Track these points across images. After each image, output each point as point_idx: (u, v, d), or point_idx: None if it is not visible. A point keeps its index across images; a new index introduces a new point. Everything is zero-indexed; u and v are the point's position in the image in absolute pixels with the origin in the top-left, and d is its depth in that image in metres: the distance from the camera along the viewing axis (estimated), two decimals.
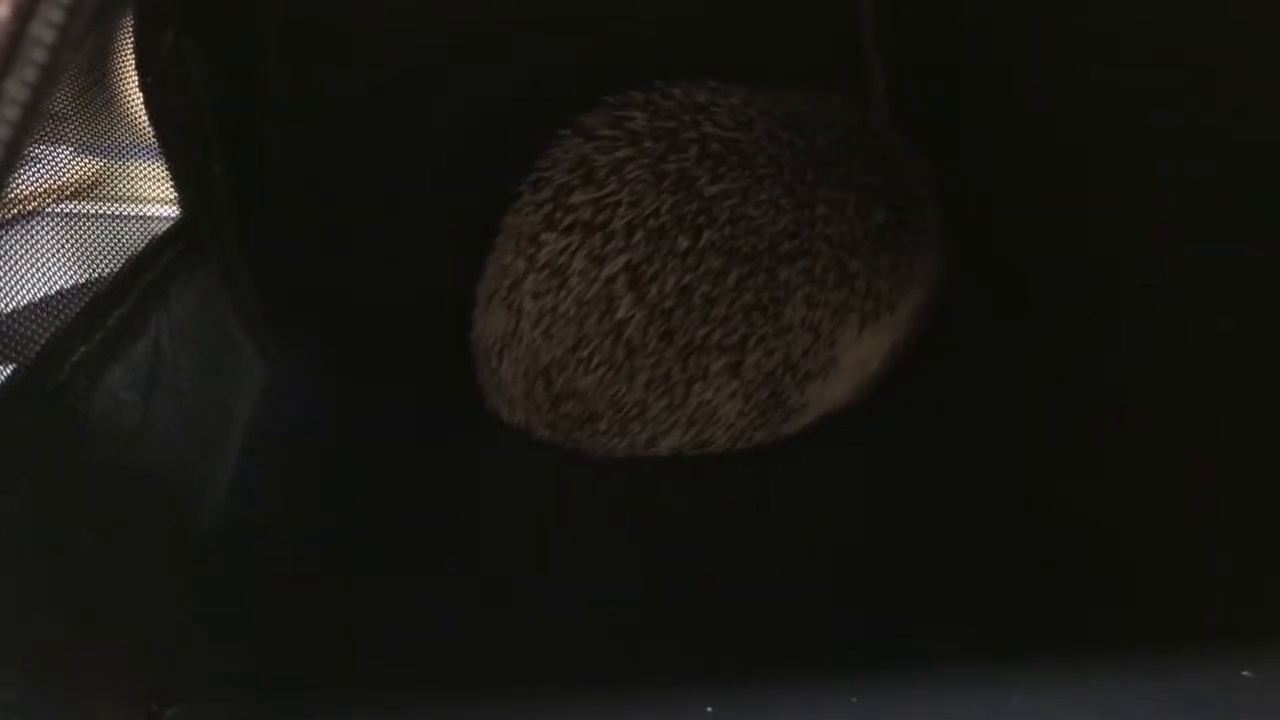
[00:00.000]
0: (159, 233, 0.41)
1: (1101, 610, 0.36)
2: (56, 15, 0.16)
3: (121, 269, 0.37)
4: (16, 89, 0.16)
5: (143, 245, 0.39)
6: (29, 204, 0.36)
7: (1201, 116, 0.35)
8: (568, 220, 0.42)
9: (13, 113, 0.16)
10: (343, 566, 0.38)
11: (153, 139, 0.41)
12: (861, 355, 0.46)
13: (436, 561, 0.38)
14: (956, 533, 0.41)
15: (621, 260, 0.41)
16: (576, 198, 0.42)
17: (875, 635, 0.35)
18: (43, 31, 0.16)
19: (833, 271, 0.43)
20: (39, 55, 0.16)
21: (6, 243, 0.32)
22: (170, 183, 0.43)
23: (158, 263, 0.40)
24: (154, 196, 0.44)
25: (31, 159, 0.35)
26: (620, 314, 0.42)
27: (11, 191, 0.34)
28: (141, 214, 0.43)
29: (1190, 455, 0.36)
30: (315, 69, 0.54)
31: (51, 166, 0.36)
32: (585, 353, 0.42)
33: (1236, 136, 0.33)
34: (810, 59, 0.54)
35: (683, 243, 0.41)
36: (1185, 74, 0.35)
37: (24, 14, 0.16)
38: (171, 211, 0.44)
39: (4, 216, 0.33)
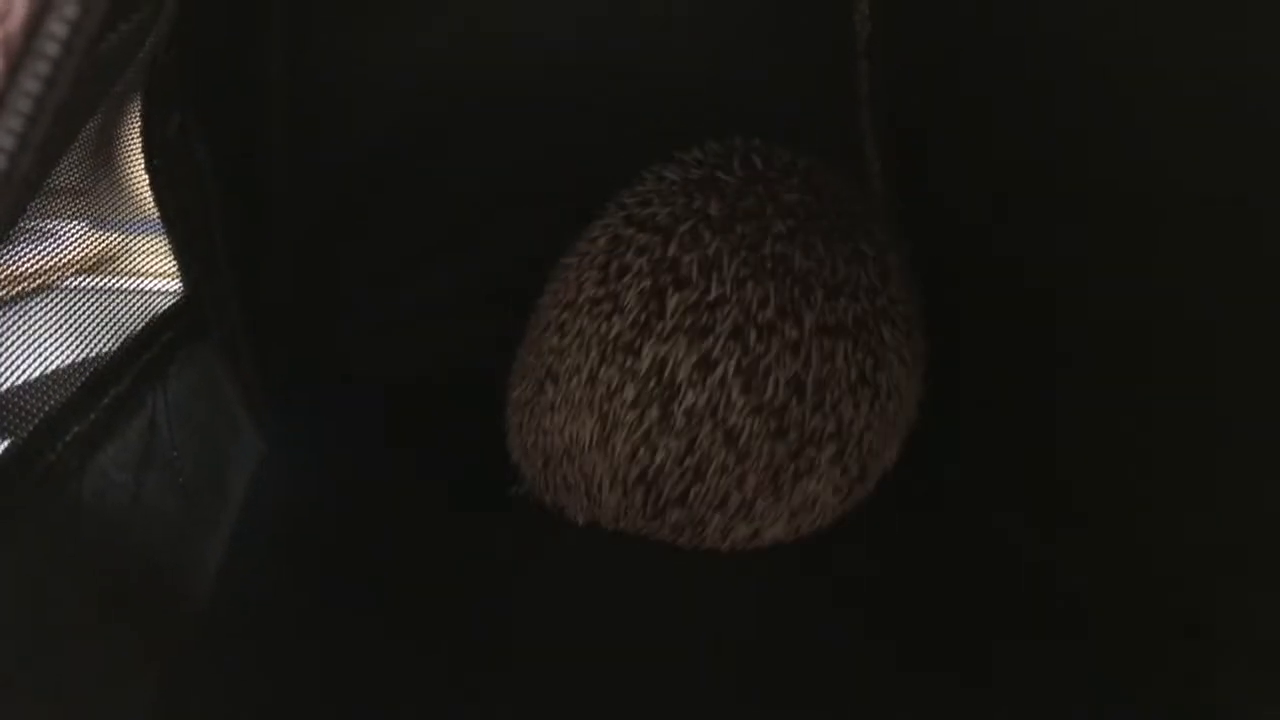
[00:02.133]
0: (160, 309, 0.41)
1: None
2: (71, 11, 0.16)
3: (120, 347, 0.37)
4: (29, 82, 0.16)
5: (143, 322, 0.40)
6: (35, 280, 0.37)
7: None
8: (668, 326, 0.40)
9: (25, 105, 0.16)
10: (337, 644, 0.37)
11: (156, 215, 0.42)
12: (914, 405, 0.45)
13: (436, 642, 0.38)
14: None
15: (733, 364, 0.40)
16: (673, 301, 0.40)
17: None
18: (57, 27, 0.16)
19: (909, 320, 0.43)
20: (52, 49, 0.16)
21: (4, 319, 0.32)
22: (172, 257, 0.44)
23: (158, 340, 0.40)
24: (156, 271, 0.45)
25: (37, 234, 0.36)
26: (733, 420, 0.40)
27: (16, 268, 0.35)
28: (142, 289, 0.44)
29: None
30: (318, 145, 0.55)
31: (57, 242, 0.37)
32: (694, 460, 0.41)
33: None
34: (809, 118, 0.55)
35: (791, 333, 0.40)
36: (1181, 141, 0.36)
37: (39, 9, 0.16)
38: (173, 285, 0.44)
39: (7, 294, 0.34)
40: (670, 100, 0.53)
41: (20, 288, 0.35)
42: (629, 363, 0.41)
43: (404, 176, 0.55)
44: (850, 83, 0.55)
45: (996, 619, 0.40)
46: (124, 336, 0.38)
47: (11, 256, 0.34)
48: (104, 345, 0.38)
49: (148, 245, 0.44)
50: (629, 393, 0.41)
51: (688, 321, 0.40)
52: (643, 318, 0.40)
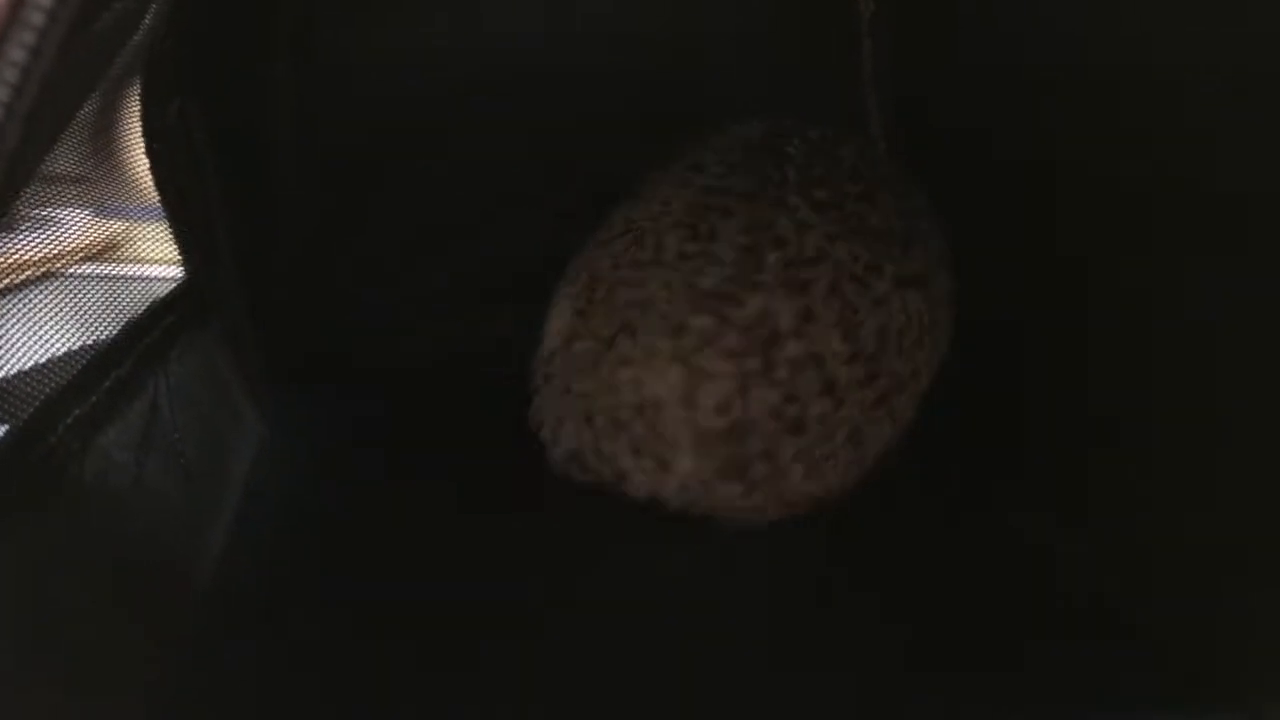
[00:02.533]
0: (161, 295, 0.42)
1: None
2: None
3: (121, 331, 0.37)
4: (15, 52, 0.16)
5: (144, 308, 0.40)
6: (38, 268, 0.37)
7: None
8: (768, 279, 0.41)
9: (11, 74, 0.16)
10: (337, 632, 0.37)
11: (157, 202, 0.42)
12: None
13: (436, 629, 0.37)
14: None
15: (833, 315, 0.41)
16: (772, 258, 0.41)
17: None
18: None
19: (951, 263, 0.45)
20: (37, 19, 0.16)
21: (4, 307, 0.33)
22: (174, 245, 0.44)
23: (159, 325, 0.40)
24: (158, 258, 0.45)
25: (41, 222, 0.36)
26: (831, 369, 0.41)
27: (20, 256, 0.35)
28: (145, 275, 0.44)
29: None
30: (321, 133, 0.55)
31: (58, 230, 0.37)
32: (794, 410, 0.41)
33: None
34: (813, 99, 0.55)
35: (878, 285, 0.42)
36: (1185, 157, 0.36)
37: None
38: (175, 273, 0.45)
39: (8, 284, 0.34)
40: (673, 87, 0.53)
41: (25, 275, 0.35)
42: (730, 312, 0.41)
43: (409, 170, 0.55)
44: (854, 63, 0.55)
45: (1010, 616, 0.40)
46: (125, 321, 0.38)
47: (15, 244, 0.34)
48: (108, 331, 0.38)
49: (152, 232, 0.45)
50: (729, 341, 0.40)
51: (786, 275, 0.41)
52: (741, 272, 0.41)
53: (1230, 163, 0.33)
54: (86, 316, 0.38)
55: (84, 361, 0.34)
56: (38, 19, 0.15)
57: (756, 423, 0.41)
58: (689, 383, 0.41)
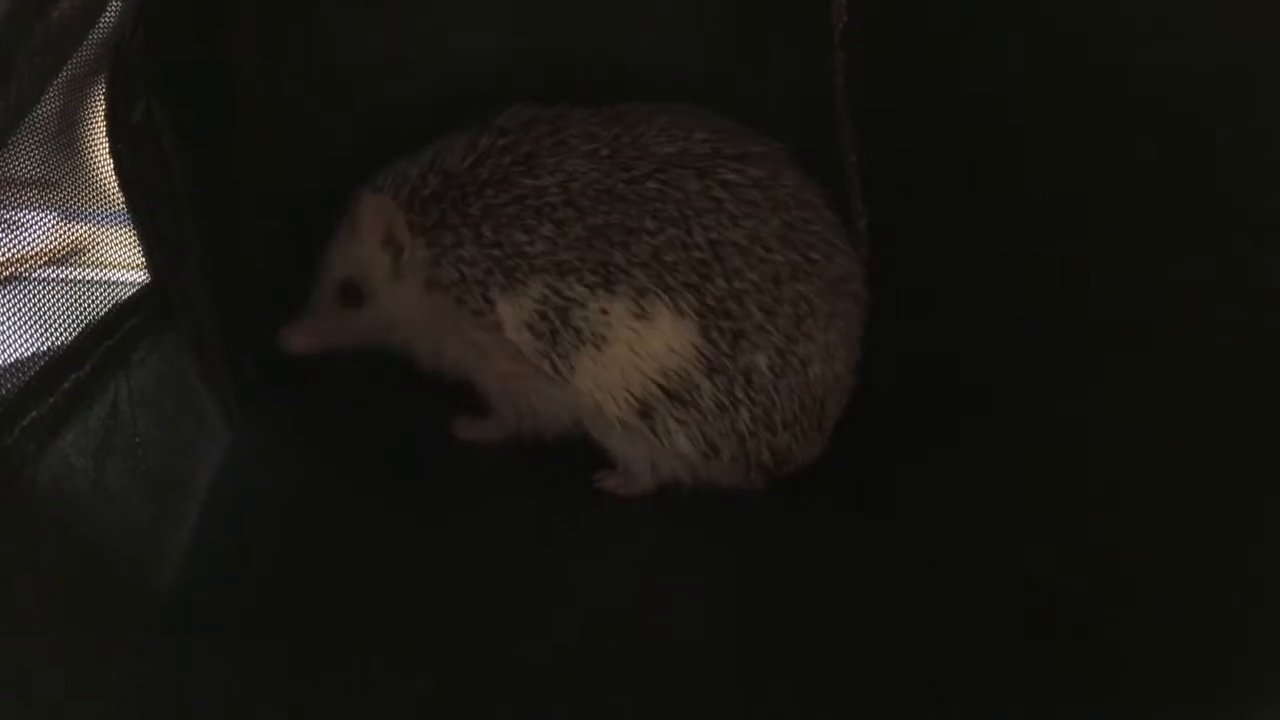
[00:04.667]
0: (123, 298, 0.41)
1: None
2: None
3: (81, 333, 0.36)
4: None
5: (105, 310, 0.39)
6: (2, 270, 0.36)
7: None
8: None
9: None
10: (300, 640, 0.36)
11: (121, 205, 0.41)
12: None
13: (401, 638, 0.37)
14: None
15: None
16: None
17: None
18: None
19: None
20: None
21: None
22: (139, 248, 0.43)
23: (121, 327, 0.39)
24: (123, 262, 0.44)
25: (5, 224, 0.35)
26: None
27: None
28: (108, 279, 0.43)
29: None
30: (290, 134, 0.54)
31: (20, 232, 0.36)
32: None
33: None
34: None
35: None
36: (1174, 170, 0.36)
37: None
38: (140, 277, 0.44)
39: None
40: (649, 92, 0.53)
41: None
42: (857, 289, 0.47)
43: (378, 170, 0.55)
44: (826, 73, 0.55)
45: (970, 621, 0.40)
46: (86, 324, 0.37)
47: None
48: (69, 335, 0.37)
49: (118, 237, 0.44)
50: (859, 312, 0.47)
51: None
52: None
53: (1222, 159, 0.34)
54: (48, 320, 0.37)
55: (42, 364, 0.33)
56: None
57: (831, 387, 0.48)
58: (850, 357, 0.48)
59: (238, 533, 0.42)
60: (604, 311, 0.44)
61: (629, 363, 0.44)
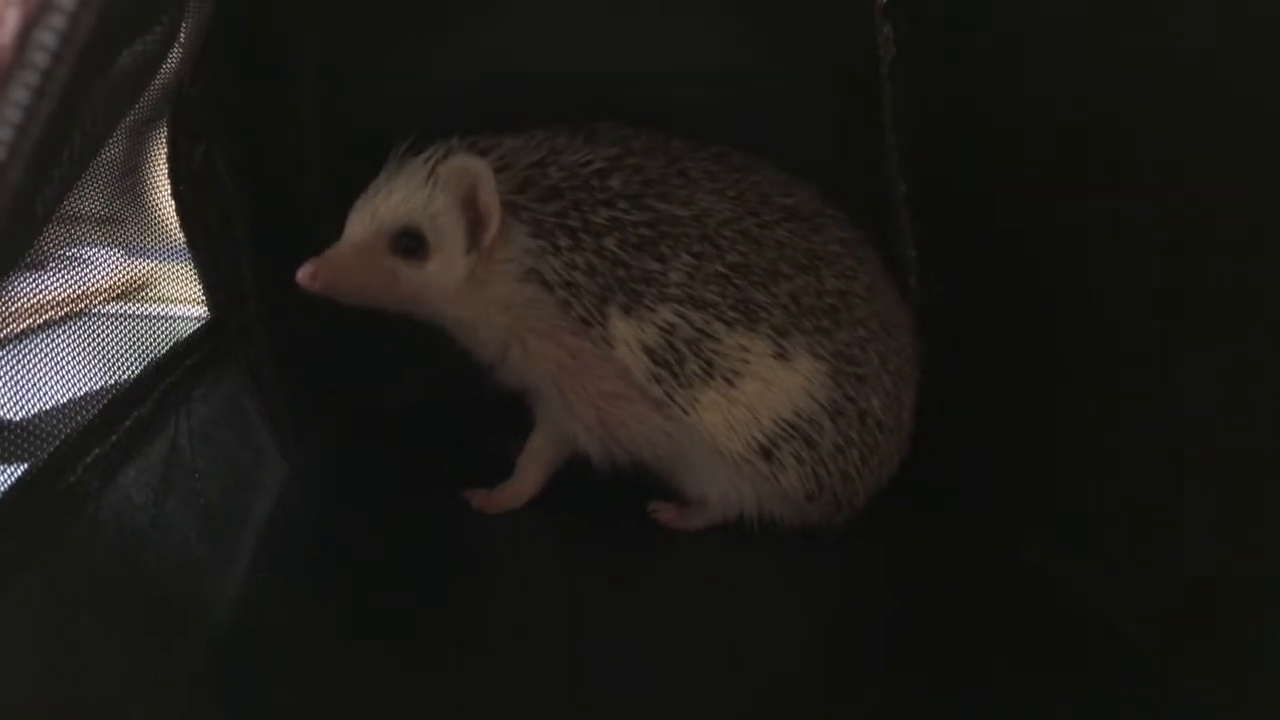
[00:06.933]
0: (184, 335, 0.42)
1: None
2: (59, 21, 0.16)
3: (143, 371, 0.37)
4: (18, 92, 0.16)
5: (167, 347, 0.40)
6: (66, 307, 0.37)
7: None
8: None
9: (14, 114, 0.16)
10: (356, 674, 0.36)
11: (183, 242, 0.43)
12: None
13: (460, 675, 0.37)
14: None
15: None
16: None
17: None
18: (46, 37, 0.16)
19: None
20: (41, 60, 0.16)
21: (29, 346, 0.33)
22: (199, 285, 0.44)
23: (182, 364, 0.40)
24: (184, 298, 0.45)
25: (70, 261, 0.36)
26: None
27: (49, 295, 0.35)
28: (171, 315, 0.44)
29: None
30: (348, 178, 0.55)
31: (89, 269, 0.38)
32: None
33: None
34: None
35: None
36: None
37: (29, 20, 0.16)
38: (200, 313, 0.45)
39: (34, 323, 0.34)
40: (694, 125, 0.53)
41: (50, 315, 0.36)
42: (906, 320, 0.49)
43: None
44: (875, 107, 0.55)
45: (1022, 644, 0.39)
46: (148, 360, 0.38)
47: (44, 283, 0.35)
48: (131, 370, 0.38)
49: (179, 272, 0.45)
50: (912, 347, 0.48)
51: None
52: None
53: (1245, 175, 0.33)
54: (111, 355, 0.38)
55: (106, 401, 0.34)
56: (41, 59, 0.16)
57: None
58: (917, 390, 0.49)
59: (293, 567, 0.43)
60: (743, 348, 0.43)
61: (760, 401, 0.44)
